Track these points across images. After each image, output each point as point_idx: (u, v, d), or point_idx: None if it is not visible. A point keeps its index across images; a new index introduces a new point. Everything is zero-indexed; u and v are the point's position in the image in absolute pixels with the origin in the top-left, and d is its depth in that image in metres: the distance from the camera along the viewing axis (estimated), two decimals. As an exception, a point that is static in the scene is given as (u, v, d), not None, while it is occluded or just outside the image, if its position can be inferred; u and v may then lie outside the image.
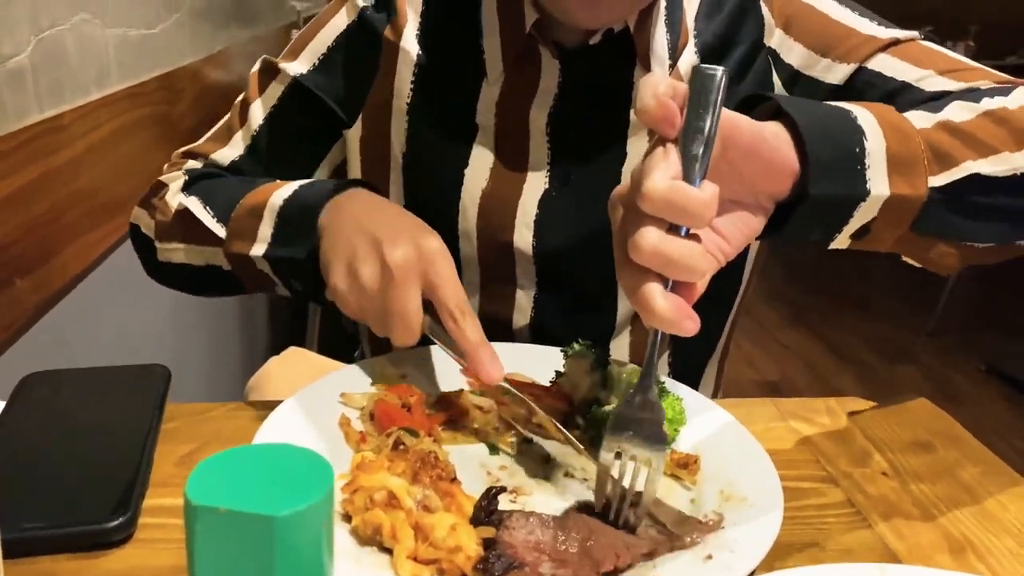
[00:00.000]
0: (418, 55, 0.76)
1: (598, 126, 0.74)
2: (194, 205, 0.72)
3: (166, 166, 0.83)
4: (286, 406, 0.57)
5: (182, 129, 1.41)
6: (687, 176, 0.43)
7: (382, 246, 0.56)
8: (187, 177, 0.78)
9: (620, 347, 0.78)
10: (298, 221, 0.64)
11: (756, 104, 0.53)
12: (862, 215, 0.50)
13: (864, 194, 0.49)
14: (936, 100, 0.61)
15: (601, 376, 0.58)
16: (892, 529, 0.52)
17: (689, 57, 0.74)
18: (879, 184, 0.50)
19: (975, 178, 0.53)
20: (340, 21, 0.79)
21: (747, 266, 0.83)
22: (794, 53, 0.73)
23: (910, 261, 0.58)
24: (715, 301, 0.79)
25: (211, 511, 0.30)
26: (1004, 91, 0.61)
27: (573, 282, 0.77)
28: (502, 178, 0.75)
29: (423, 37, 0.76)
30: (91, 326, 1.08)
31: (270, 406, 0.57)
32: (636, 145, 0.74)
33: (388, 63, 0.77)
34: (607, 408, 0.56)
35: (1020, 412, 2.81)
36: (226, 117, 0.83)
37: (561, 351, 0.61)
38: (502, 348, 0.59)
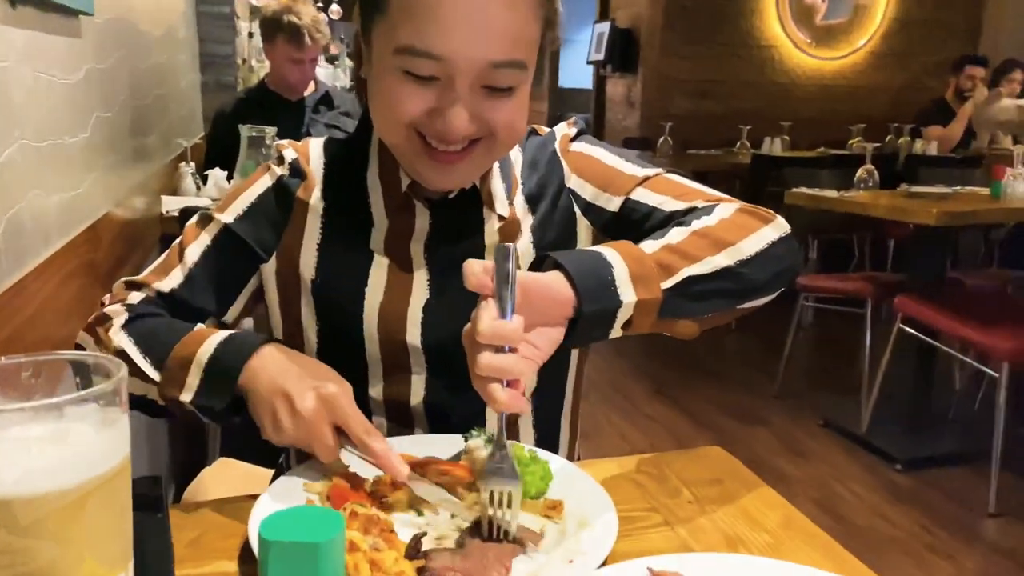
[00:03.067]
0: (324, 208, 1.02)
1: (461, 250, 1.01)
2: (132, 350, 0.92)
3: (107, 297, 1.00)
4: (266, 497, 0.78)
5: (103, 272, 1.59)
6: (502, 314, 0.72)
7: (293, 402, 0.82)
8: (129, 314, 0.96)
9: (493, 414, 1.02)
10: (219, 379, 0.87)
11: (543, 261, 0.83)
12: (623, 315, 0.80)
13: (619, 305, 0.79)
14: (669, 220, 0.95)
15: (493, 451, 0.82)
16: (691, 536, 0.78)
17: (520, 199, 1.04)
18: (628, 295, 0.80)
19: (689, 278, 0.84)
20: (263, 183, 1.04)
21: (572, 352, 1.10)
22: (586, 190, 1.05)
23: (665, 333, 0.87)
24: (551, 378, 1.06)
25: (278, 543, 0.52)
26: (709, 209, 0.94)
27: (453, 366, 1.01)
28: (394, 293, 1.00)
29: (325, 195, 1.02)
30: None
31: (245, 500, 0.79)
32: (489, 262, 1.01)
33: (300, 214, 1.02)
34: (497, 474, 0.80)
35: (855, 460, 3.22)
36: (164, 255, 1.03)
37: (463, 436, 0.85)
38: (421, 439, 0.84)
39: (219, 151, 2.95)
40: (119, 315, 0.97)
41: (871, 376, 3.37)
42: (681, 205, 0.98)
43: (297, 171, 1.03)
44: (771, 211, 0.95)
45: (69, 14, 1.45)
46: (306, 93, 3.23)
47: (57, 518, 0.46)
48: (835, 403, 3.66)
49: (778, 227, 0.93)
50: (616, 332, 0.82)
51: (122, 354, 0.92)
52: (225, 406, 0.87)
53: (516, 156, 1.07)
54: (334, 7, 6.17)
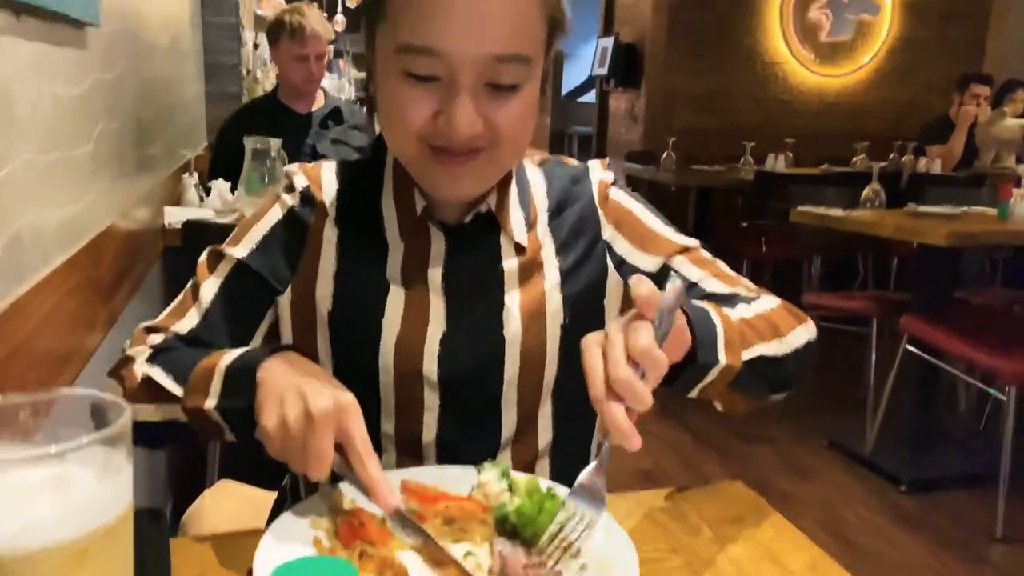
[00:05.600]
0: (338, 236, 0.99)
1: (480, 280, 0.98)
2: (156, 373, 0.90)
3: (128, 342, 0.98)
4: (270, 536, 0.74)
5: (104, 287, 1.56)
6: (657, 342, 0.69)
7: (307, 398, 0.75)
8: (151, 351, 0.95)
9: (503, 459, 0.99)
10: (240, 378, 0.83)
11: None
12: (711, 376, 0.80)
13: (716, 363, 0.80)
14: (715, 298, 0.95)
15: (507, 484, 0.79)
16: (715, 579, 0.75)
17: (542, 228, 1.01)
18: (722, 356, 0.80)
19: (762, 357, 0.85)
20: (274, 214, 1.01)
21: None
22: (621, 245, 1.02)
23: (716, 405, 0.88)
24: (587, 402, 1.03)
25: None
26: (755, 299, 0.95)
27: (468, 401, 0.98)
28: (411, 324, 0.97)
29: (339, 223, 0.99)
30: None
31: (248, 536, 0.75)
32: (509, 293, 0.98)
33: (314, 245, 0.99)
34: (511, 509, 0.77)
35: (859, 480, 3.19)
36: (179, 298, 1.01)
37: (476, 468, 0.82)
38: (432, 471, 0.80)
39: (224, 162, 2.92)
40: (142, 354, 0.95)
41: (876, 396, 3.34)
42: (724, 288, 0.99)
43: (308, 199, 1.00)
44: (804, 313, 0.98)
45: (75, 25, 1.43)
46: (315, 108, 3.19)
47: (55, 574, 0.43)
48: (839, 423, 3.63)
49: (809, 329, 0.96)
50: (694, 392, 0.82)
51: (148, 381, 0.90)
52: (249, 403, 0.81)
53: (536, 180, 1.04)
54: (339, 17, 6.14)
